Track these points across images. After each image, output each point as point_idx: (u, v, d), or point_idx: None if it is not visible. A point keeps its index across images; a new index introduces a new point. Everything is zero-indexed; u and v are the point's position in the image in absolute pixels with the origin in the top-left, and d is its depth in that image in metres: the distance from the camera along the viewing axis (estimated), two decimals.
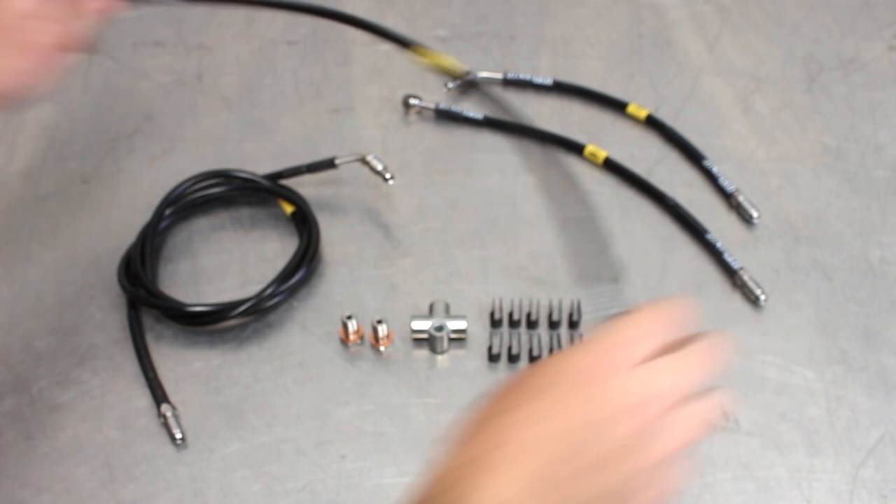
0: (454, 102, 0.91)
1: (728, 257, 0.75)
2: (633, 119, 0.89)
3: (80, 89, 0.94)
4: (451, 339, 0.71)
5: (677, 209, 0.80)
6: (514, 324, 0.72)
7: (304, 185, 0.81)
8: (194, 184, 0.80)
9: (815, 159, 0.85)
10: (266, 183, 0.80)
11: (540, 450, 0.38)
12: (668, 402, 0.40)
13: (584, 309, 0.66)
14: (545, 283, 0.75)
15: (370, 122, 0.90)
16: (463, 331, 0.71)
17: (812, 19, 1.00)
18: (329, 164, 0.80)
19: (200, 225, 0.80)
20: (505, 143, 0.87)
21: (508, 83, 0.93)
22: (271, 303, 0.72)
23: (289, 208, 0.79)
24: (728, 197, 0.81)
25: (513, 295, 0.73)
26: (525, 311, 0.72)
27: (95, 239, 0.79)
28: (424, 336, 0.71)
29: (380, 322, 0.70)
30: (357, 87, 0.93)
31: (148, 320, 0.73)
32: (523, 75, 0.92)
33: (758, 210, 0.79)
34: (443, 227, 0.80)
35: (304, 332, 0.72)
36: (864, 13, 1.00)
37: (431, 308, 0.72)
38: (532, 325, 0.72)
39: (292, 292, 0.73)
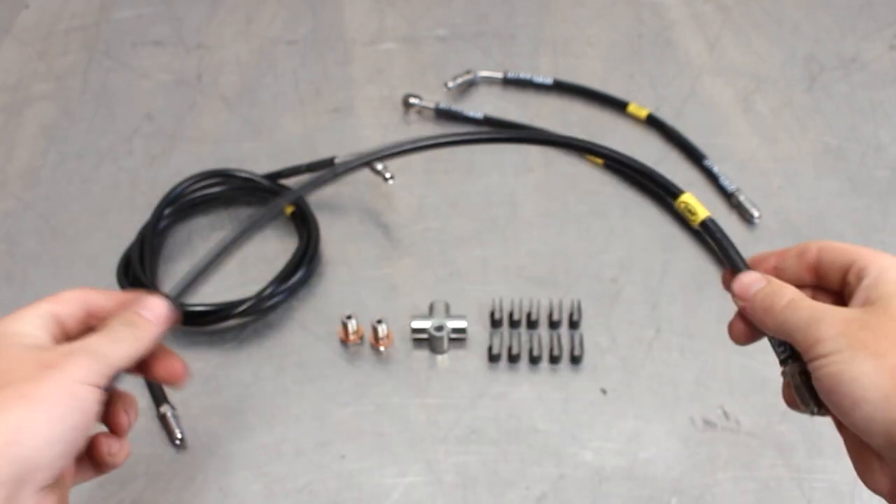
0: (454, 102, 0.91)
1: None
2: (634, 119, 0.89)
3: (80, 89, 0.94)
4: (451, 339, 0.71)
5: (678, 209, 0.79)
6: (514, 324, 0.72)
7: None
8: (194, 183, 0.80)
9: (816, 159, 0.85)
10: (266, 182, 0.80)
11: None
12: None
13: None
14: (545, 282, 0.75)
15: (370, 122, 0.89)
16: (463, 330, 0.70)
17: (813, 19, 1.00)
18: (329, 164, 0.80)
19: (200, 224, 0.80)
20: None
21: (509, 82, 0.92)
22: (271, 303, 0.72)
23: (288, 208, 0.79)
24: (729, 196, 0.81)
25: (513, 295, 0.73)
26: (525, 310, 0.72)
27: (95, 238, 0.79)
28: (424, 336, 0.70)
29: (380, 322, 0.70)
30: (357, 87, 0.93)
31: None
32: (523, 75, 0.92)
33: (758, 210, 0.79)
34: (443, 227, 0.80)
35: (303, 332, 0.72)
36: (864, 13, 1.00)
37: (431, 308, 0.72)
38: (532, 324, 0.71)
39: (292, 292, 0.73)
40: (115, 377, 0.43)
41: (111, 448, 0.46)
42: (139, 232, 0.76)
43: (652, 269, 0.76)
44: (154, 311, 0.45)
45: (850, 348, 0.40)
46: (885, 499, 0.42)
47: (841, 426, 0.44)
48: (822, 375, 0.41)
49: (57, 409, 0.40)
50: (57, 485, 0.42)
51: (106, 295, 0.47)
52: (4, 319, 0.44)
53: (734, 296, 0.46)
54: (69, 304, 0.46)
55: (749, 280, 0.46)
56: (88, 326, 0.46)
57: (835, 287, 0.45)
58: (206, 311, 0.71)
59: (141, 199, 0.82)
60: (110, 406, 0.46)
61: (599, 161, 0.84)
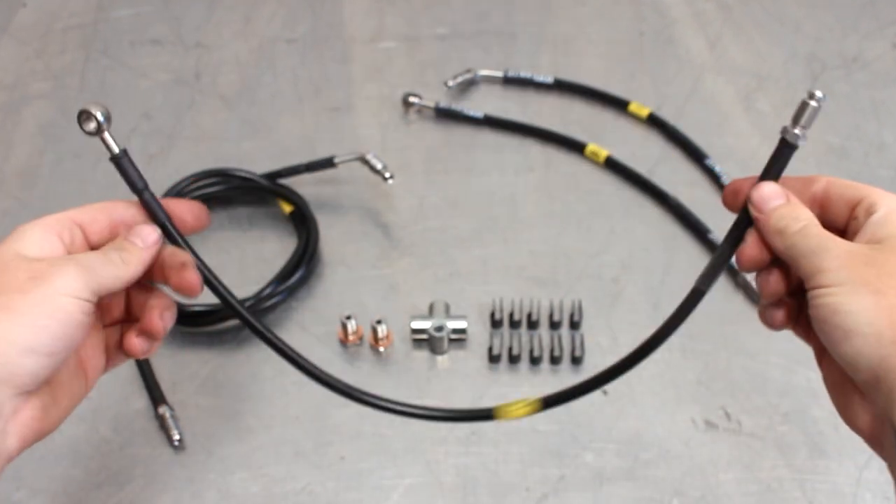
0: (454, 101, 0.90)
1: None
2: (635, 118, 0.88)
3: (78, 88, 0.93)
4: (451, 340, 0.70)
5: (679, 208, 0.79)
6: (514, 324, 0.71)
7: (302, 185, 0.81)
8: (192, 183, 0.79)
9: (819, 158, 0.84)
10: (265, 182, 0.80)
11: None
12: None
13: None
14: (546, 282, 0.74)
15: (369, 121, 0.89)
16: (463, 331, 0.70)
17: (814, 17, 0.99)
18: (328, 164, 0.80)
19: None
20: (505, 142, 0.87)
21: (509, 81, 0.92)
22: (270, 303, 0.71)
23: (287, 208, 0.78)
24: None
25: (513, 295, 0.72)
26: (526, 311, 0.71)
27: None
28: (424, 336, 0.70)
29: (379, 322, 0.69)
30: (356, 86, 0.93)
31: None
32: (524, 73, 0.92)
33: None
34: (443, 227, 0.79)
35: (302, 333, 0.72)
36: (866, 11, 1.00)
37: (431, 308, 0.72)
38: (533, 325, 0.71)
39: (291, 292, 0.73)
40: (104, 295, 0.45)
41: (141, 346, 0.49)
42: None
43: (653, 269, 0.75)
44: (144, 238, 0.48)
45: (852, 282, 0.40)
46: (864, 437, 0.42)
47: (822, 360, 0.45)
48: (819, 304, 0.41)
49: (39, 320, 0.42)
50: (43, 390, 0.44)
51: (131, 205, 0.50)
52: (27, 224, 0.47)
53: (750, 203, 0.46)
54: (93, 212, 0.49)
55: (770, 193, 0.45)
56: (115, 235, 0.49)
57: (839, 222, 0.45)
58: (205, 312, 0.70)
59: None
60: (146, 310, 0.49)
61: (600, 160, 0.83)
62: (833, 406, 0.45)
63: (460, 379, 0.69)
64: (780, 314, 0.46)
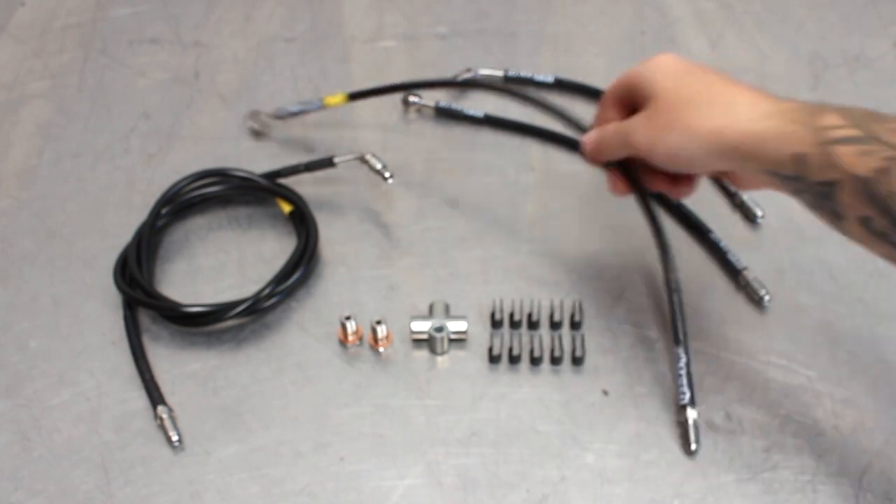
0: (454, 100, 0.90)
1: (732, 257, 0.74)
2: None
3: (76, 87, 0.93)
4: (451, 340, 0.70)
5: (680, 208, 0.79)
6: (514, 324, 0.71)
7: (302, 184, 0.81)
8: (191, 182, 0.79)
9: None
10: (264, 182, 0.79)
11: None
12: None
13: None
14: (546, 283, 0.74)
15: (369, 120, 0.89)
16: (463, 332, 0.70)
17: (817, 16, 0.99)
18: (328, 163, 0.79)
19: (197, 224, 0.80)
20: (505, 142, 0.87)
21: (509, 81, 0.92)
22: (269, 303, 0.71)
23: (287, 207, 0.78)
24: (731, 196, 0.80)
25: (514, 295, 0.72)
26: (526, 311, 0.71)
27: (91, 238, 0.78)
28: (424, 337, 0.70)
29: (379, 323, 0.69)
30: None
31: (144, 321, 0.72)
32: (524, 73, 0.91)
33: (762, 209, 0.78)
34: (443, 227, 0.79)
35: (302, 333, 0.71)
36: (869, 10, 1.00)
37: (431, 309, 0.71)
38: (533, 325, 0.71)
39: (290, 292, 0.72)
40: None
41: None
42: (136, 232, 0.76)
43: (654, 269, 0.75)
44: None
45: (651, 133, 0.62)
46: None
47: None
48: (651, 154, 0.63)
49: None
50: None
51: None
52: None
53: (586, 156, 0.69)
54: None
55: (586, 139, 0.69)
56: None
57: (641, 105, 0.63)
58: (204, 312, 0.70)
59: (138, 198, 0.81)
60: None
61: None
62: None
63: (460, 379, 0.69)
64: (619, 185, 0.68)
